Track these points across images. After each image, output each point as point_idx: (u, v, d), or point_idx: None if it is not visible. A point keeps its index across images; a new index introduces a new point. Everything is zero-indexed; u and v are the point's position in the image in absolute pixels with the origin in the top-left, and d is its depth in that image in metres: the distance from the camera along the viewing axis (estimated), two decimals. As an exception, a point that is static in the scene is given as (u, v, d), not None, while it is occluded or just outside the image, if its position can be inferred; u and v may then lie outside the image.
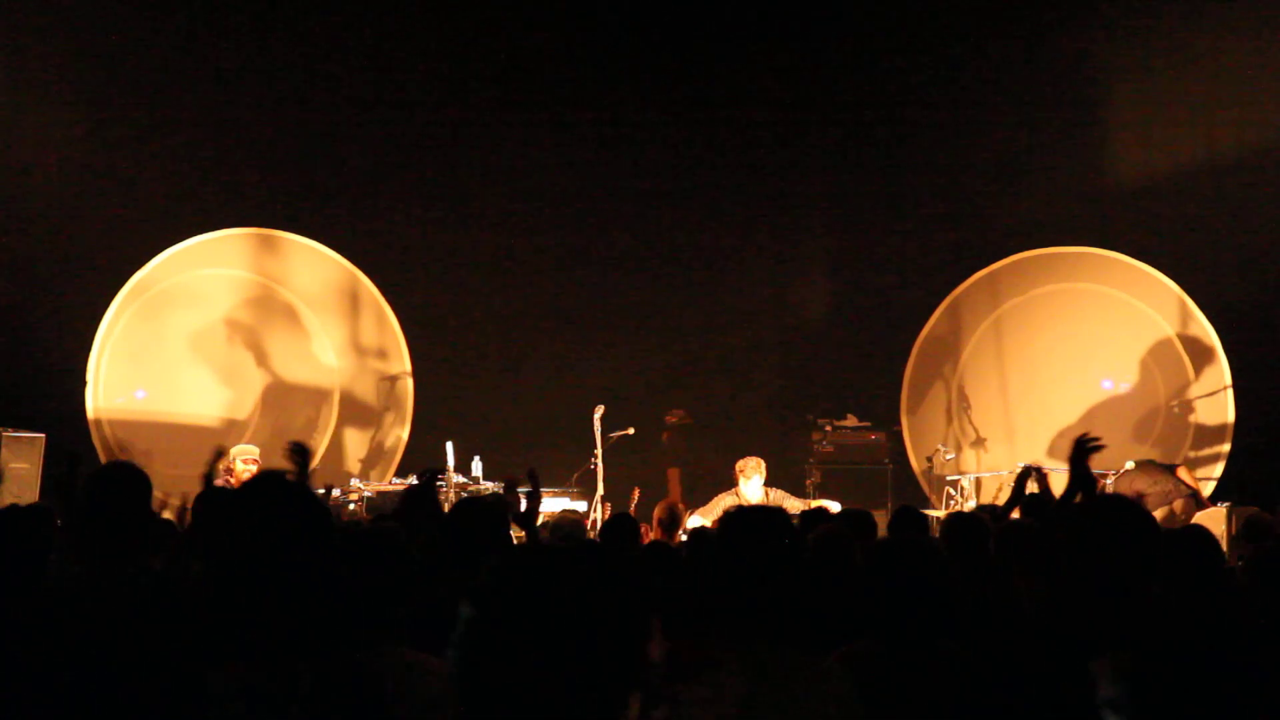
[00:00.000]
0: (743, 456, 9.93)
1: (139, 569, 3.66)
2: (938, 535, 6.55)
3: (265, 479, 2.51)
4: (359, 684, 2.43)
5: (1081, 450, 4.55)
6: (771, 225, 12.80)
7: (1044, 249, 12.60)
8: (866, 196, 12.67)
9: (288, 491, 2.49)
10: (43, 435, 10.33)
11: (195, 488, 5.46)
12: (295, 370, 12.53)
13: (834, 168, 12.65)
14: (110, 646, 2.59)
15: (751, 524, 3.02)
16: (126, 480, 3.85)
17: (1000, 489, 11.04)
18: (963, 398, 12.58)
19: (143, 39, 11.88)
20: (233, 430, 12.02)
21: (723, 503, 9.73)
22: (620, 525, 6.30)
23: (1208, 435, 12.23)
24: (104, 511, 3.77)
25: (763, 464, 9.89)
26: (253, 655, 2.35)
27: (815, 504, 9.01)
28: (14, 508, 4.05)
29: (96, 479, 3.93)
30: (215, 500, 5.06)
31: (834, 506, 8.77)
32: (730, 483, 10.17)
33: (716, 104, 12.60)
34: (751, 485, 9.81)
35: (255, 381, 12.40)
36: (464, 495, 10.16)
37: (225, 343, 12.34)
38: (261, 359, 12.45)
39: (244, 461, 9.95)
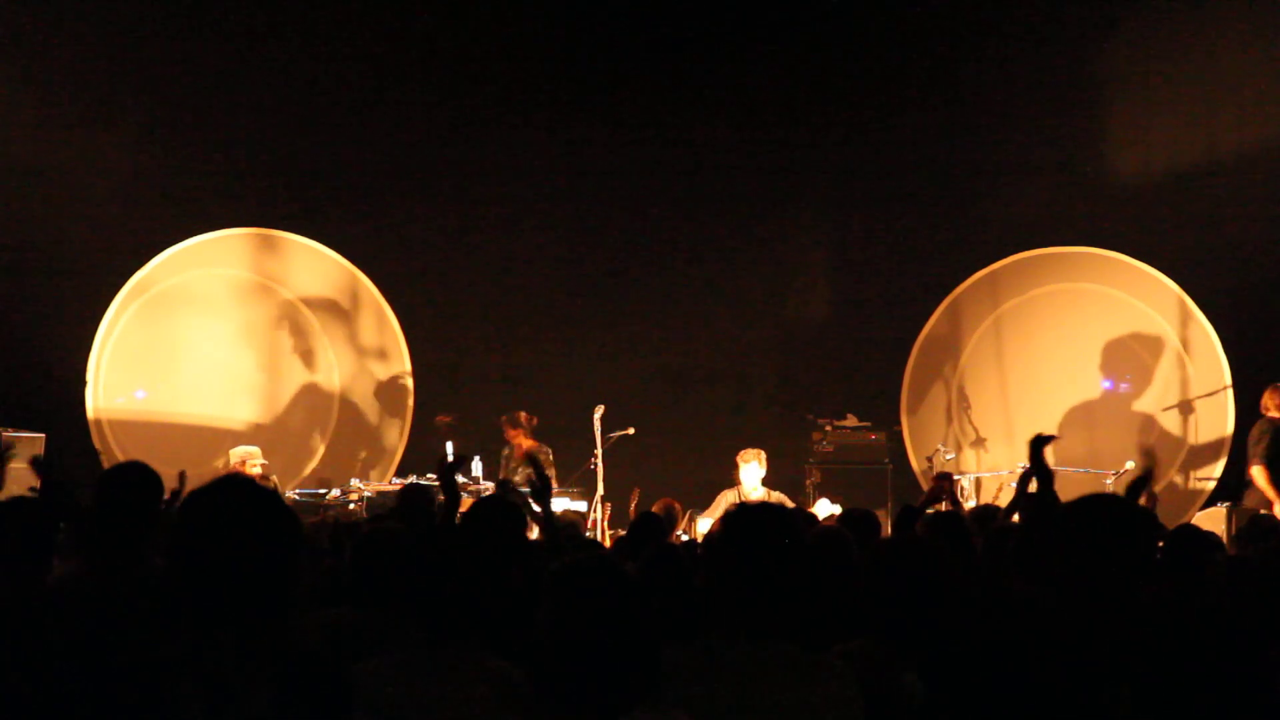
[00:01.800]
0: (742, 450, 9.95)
1: (146, 568, 3.67)
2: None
3: (230, 480, 2.53)
4: (329, 688, 2.43)
5: (1038, 446, 4.61)
6: (771, 225, 12.79)
7: (1044, 249, 12.60)
8: (866, 196, 12.67)
9: (253, 493, 2.52)
10: (43, 435, 10.32)
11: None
12: (295, 370, 12.53)
13: (834, 168, 12.64)
14: (112, 645, 2.60)
15: (755, 520, 3.09)
16: (137, 480, 3.86)
17: (1000, 489, 11.05)
18: (963, 398, 12.59)
19: (142, 39, 11.87)
20: (233, 430, 12.02)
21: (725, 499, 9.74)
22: (649, 523, 6.31)
23: (1207, 435, 12.22)
24: (113, 510, 3.77)
25: (763, 454, 9.88)
26: (215, 653, 2.37)
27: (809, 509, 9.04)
28: (19, 500, 4.04)
29: (108, 478, 3.94)
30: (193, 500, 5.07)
31: (824, 509, 8.77)
32: (729, 481, 10.20)
33: (717, 104, 12.60)
34: (750, 472, 9.82)
35: (255, 381, 12.40)
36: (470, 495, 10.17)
37: (225, 343, 12.34)
38: (261, 359, 12.45)
39: (250, 462, 9.98)
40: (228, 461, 10.48)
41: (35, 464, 4.67)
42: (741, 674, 2.92)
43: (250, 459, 10.14)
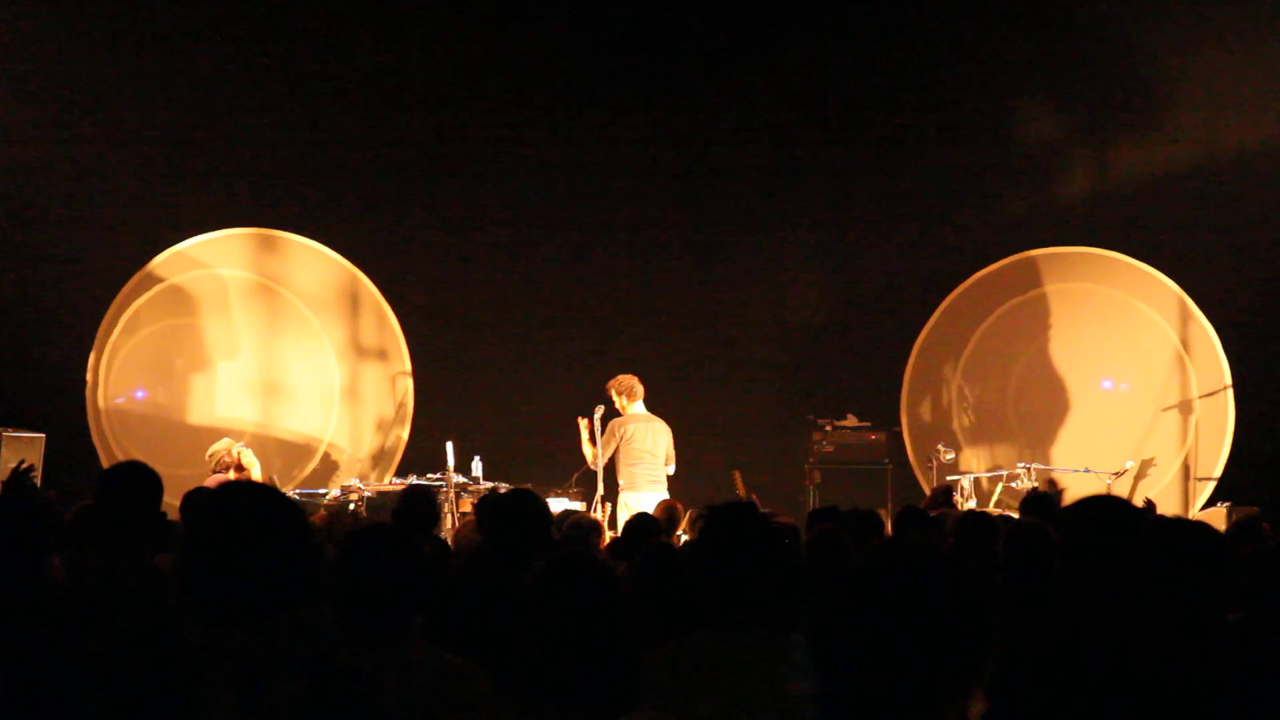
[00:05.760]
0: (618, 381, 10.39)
1: (147, 567, 3.68)
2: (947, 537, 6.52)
3: (240, 484, 2.58)
4: (351, 685, 2.44)
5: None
6: (771, 225, 12.79)
7: (1044, 249, 12.60)
8: (867, 196, 12.66)
9: (265, 494, 2.57)
10: (43, 435, 10.33)
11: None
12: (295, 370, 12.53)
13: (834, 167, 12.64)
14: (111, 644, 2.61)
15: (732, 519, 3.33)
16: (137, 479, 3.87)
17: (1000, 489, 11.06)
18: (963, 398, 12.59)
19: (142, 39, 11.88)
20: (232, 430, 12.01)
21: (614, 432, 10.16)
22: (642, 524, 6.32)
23: (1207, 435, 12.22)
24: (114, 509, 3.78)
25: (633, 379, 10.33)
26: (237, 652, 2.39)
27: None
28: (14, 500, 4.05)
29: (108, 477, 3.95)
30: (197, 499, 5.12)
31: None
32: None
33: (716, 104, 12.60)
34: (637, 406, 10.31)
35: (255, 381, 12.40)
36: (466, 494, 10.18)
37: (224, 342, 12.34)
38: (261, 358, 12.45)
39: (233, 451, 9.81)
40: (216, 461, 10.06)
41: (15, 475, 4.69)
42: (725, 662, 3.17)
43: (233, 448, 9.92)
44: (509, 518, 4.43)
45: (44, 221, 11.71)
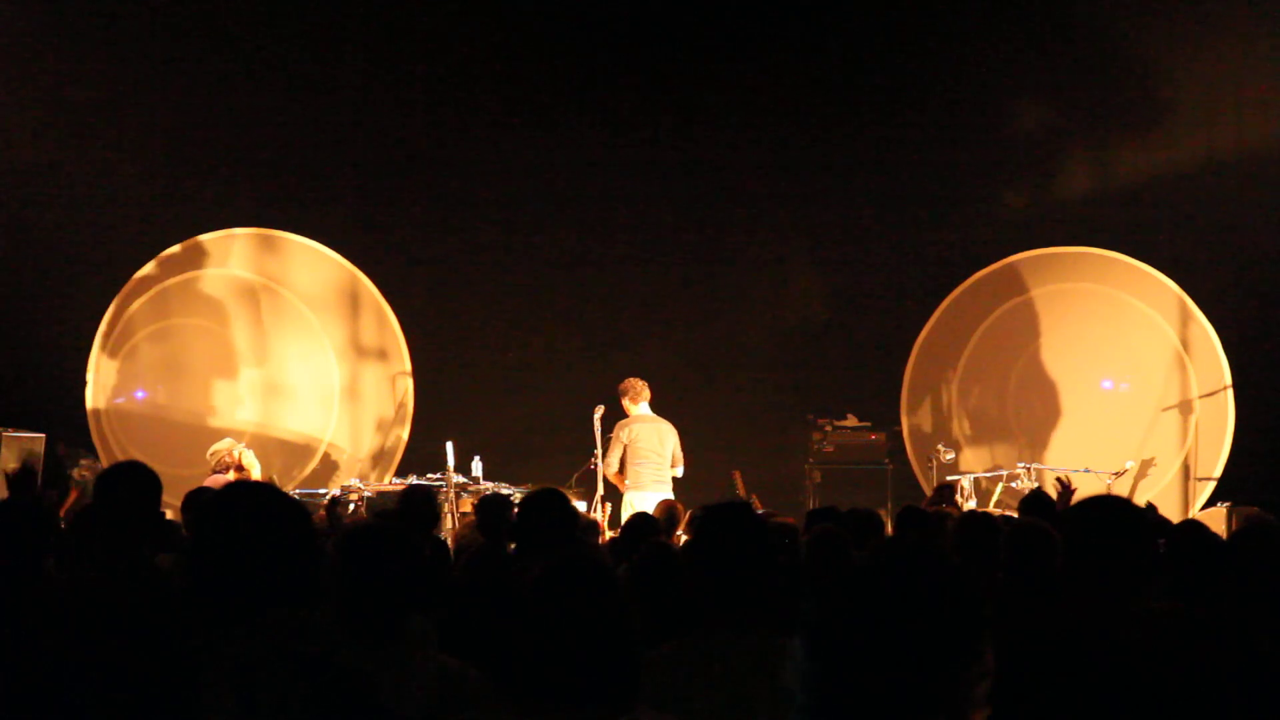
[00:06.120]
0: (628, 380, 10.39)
1: (146, 567, 3.69)
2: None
3: (244, 484, 2.60)
4: (351, 685, 2.45)
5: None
6: (771, 225, 12.80)
7: (1044, 249, 12.60)
8: (867, 196, 12.67)
9: (269, 494, 2.59)
10: (43, 435, 10.34)
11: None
12: (295, 371, 12.53)
13: (834, 167, 12.65)
14: (112, 644, 2.60)
15: (727, 521, 3.34)
16: (136, 479, 3.88)
17: (1000, 489, 11.06)
18: (963, 397, 12.59)
19: (142, 39, 11.89)
20: (233, 430, 12.02)
21: (618, 436, 10.13)
22: (641, 525, 6.33)
23: (1207, 435, 12.22)
24: (112, 509, 3.80)
25: (639, 382, 10.32)
26: (237, 652, 2.39)
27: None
28: (10, 501, 4.07)
29: (106, 477, 3.96)
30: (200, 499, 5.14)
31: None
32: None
33: (716, 104, 12.61)
34: (642, 408, 10.29)
35: (255, 381, 12.40)
36: (467, 494, 10.18)
37: (225, 343, 12.34)
38: (261, 359, 12.45)
39: (233, 452, 9.78)
40: (217, 460, 10.01)
41: (8, 477, 4.71)
42: (724, 662, 3.20)
43: (233, 448, 9.90)
44: (509, 517, 4.44)
45: (44, 221, 11.72)
